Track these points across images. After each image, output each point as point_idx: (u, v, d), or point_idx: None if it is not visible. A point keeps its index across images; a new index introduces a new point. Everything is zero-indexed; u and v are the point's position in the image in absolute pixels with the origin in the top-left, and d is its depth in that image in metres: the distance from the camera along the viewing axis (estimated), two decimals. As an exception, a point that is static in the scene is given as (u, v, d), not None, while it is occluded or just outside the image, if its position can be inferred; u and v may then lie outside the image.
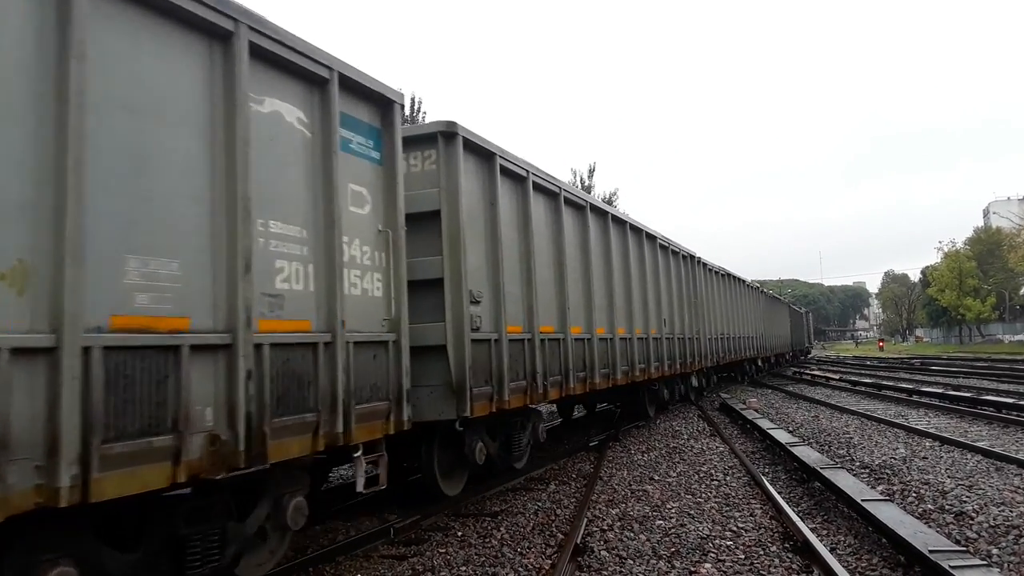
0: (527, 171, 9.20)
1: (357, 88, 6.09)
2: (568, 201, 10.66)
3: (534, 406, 9.34)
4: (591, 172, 40.98)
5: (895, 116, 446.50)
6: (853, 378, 26.50)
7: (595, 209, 11.89)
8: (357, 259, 5.92)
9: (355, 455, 5.79)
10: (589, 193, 29.43)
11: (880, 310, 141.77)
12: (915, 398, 18.48)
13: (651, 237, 14.99)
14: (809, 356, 58.90)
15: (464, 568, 5.92)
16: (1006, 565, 5.52)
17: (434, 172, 7.64)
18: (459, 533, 7.01)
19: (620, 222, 13.25)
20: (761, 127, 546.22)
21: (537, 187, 9.59)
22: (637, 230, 14.03)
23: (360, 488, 5.85)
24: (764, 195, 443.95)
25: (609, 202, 36.01)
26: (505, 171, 8.70)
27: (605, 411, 17.32)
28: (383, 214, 6.33)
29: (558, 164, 73.03)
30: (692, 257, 18.41)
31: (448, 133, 7.68)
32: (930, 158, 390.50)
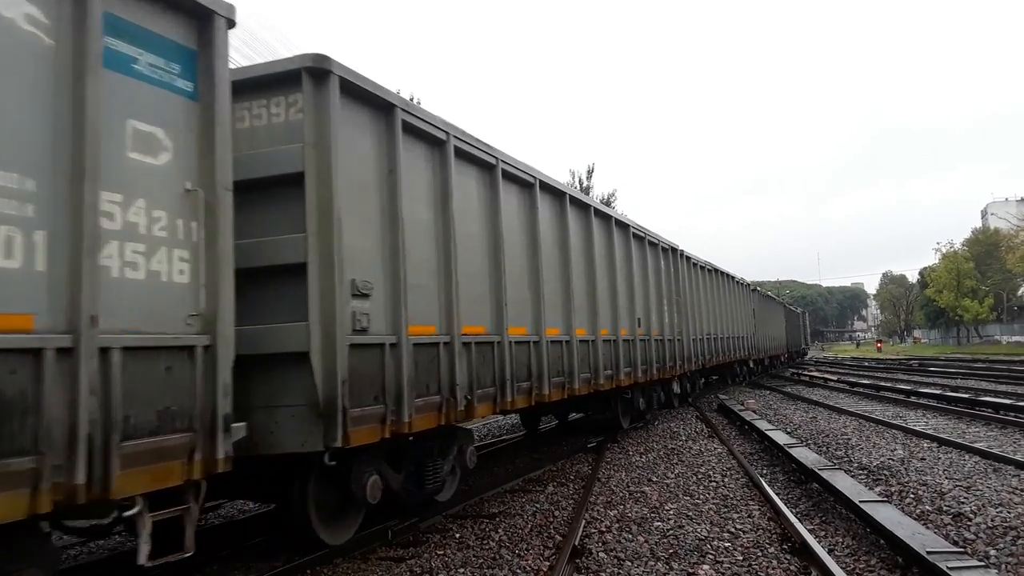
0: (447, 133, 7.33)
1: None
2: (509, 176, 8.77)
3: (458, 425, 7.57)
4: (589, 173, 40.93)
5: (894, 117, 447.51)
6: (851, 379, 26.52)
7: (548, 188, 10.00)
8: (140, 228, 4.22)
9: (127, 513, 4.08)
10: (587, 195, 29.26)
11: (878, 311, 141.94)
12: (913, 399, 18.49)
13: (622, 225, 13.39)
14: (806, 358, 57.88)
15: (462, 570, 5.91)
16: (1004, 566, 5.52)
17: (299, 123, 5.66)
18: (457, 535, 7.00)
19: (582, 206, 11.34)
20: (760, 129, 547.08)
21: (463, 155, 7.70)
22: (605, 216, 12.41)
23: (142, 560, 4.10)
24: (763, 196, 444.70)
25: (607, 203, 36.01)
26: (412, 130, 6.81)
27: (579, 421, 15.55)
28: (195, 168, 4.62)
29: (557, 165, 73.11)
30: (674, 250, 16.93)
31: (318, 71, 5.69)
32: (928, 159, 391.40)
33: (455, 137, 7.48)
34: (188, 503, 4.38)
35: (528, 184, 9.48)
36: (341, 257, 5.62)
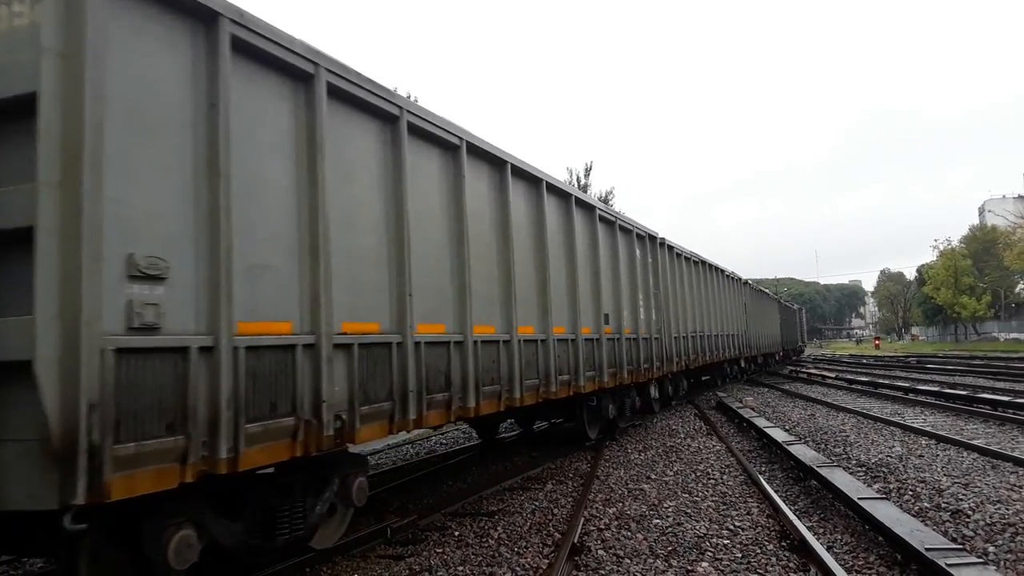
0: (315, 63, 5.42)
1: None
2: (417, 130, 6.74)
3: (339, 451, 5.61)
4: (587, 171, 40.97)
5: (891, 115, 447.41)
6: (849, 376, 26.56)
7: (479, 152, 7.90)
8: None
9: None
10: (585, 192, 29.16)
11: (876, 308, 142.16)
12: (911, 396, 18.51)
13: (586, 206, 11.44)
14: (803, 355, 56.52)
15: (461, 568, 5.91)
16: (1002, 563, 5.54)
17: (36, 26, 3.78)
18: (456, 533, 7.00)
19: (531, 179, 9.32)
20: (757, 126, 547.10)
21: (341, 95, 5.77)
22: (563, 194, 10.45)
23: None
24: (760, 194, 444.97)
25: (605, 201, 36.00)
26: (250, 51, 4.90)
27: (547, 430, 14.30)
28: None
29: (555, 164, 72.98)
30: (652, 238, 15.15)
31: None
32: (926, 156, 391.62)
33: (328, 70, 5.55)
34: None
35: (452, 148, 7.43)
36: (100, 221, 3.79)
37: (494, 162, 8.41)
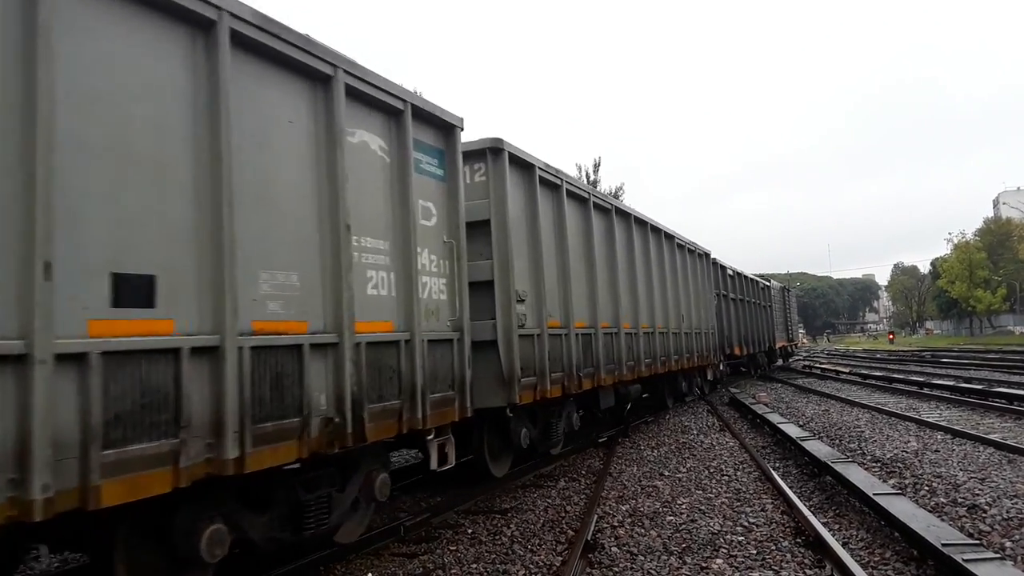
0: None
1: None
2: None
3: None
4: (596, 167, 40.90)
5: (905, 103, 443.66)
6: (863, 371, 26.41)
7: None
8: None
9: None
10: (595, 188, 28.83)
11: (890, 302, 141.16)
12: (926, 391, 18.38)
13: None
14: (791, 360, 38.89)
15: (475, 565, 5.92)
16: (1020, 558, 5.50)
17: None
18: (469, 530, 7.01)
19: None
20: (766, 118, 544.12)
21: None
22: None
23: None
24: (771, 188, 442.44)
25: (616, 196, 35.89)
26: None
27: None
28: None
29: (564, 159, 72.81)
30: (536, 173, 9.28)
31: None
32: (940, 147, 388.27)
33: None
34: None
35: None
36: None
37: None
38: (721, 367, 21.17)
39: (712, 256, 19.62)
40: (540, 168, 9.00)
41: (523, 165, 8.72)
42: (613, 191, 39.54)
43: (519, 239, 8.34)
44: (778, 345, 32.43)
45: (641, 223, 13.29)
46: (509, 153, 8.23)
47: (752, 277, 27.20)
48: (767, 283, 31.13)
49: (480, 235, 7.89)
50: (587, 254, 10.44)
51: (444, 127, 7.10)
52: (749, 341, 24.93)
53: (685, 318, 15.57)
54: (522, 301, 8.13)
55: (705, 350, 17.39)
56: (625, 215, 12.49)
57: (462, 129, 7.27)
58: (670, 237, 15.36)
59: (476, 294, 7.61)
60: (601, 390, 10.95)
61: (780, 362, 35.54)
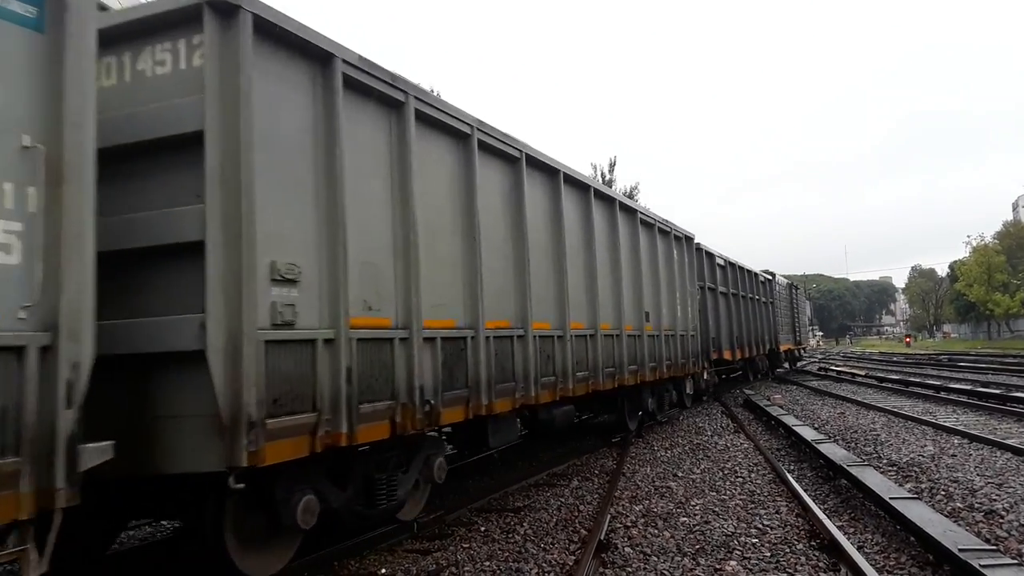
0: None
1: None
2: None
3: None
4: (612, 166, 40.77)
5: (925, 106, 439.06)
6: (879, 374, 26.20)
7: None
8: None
9: None
10: (611, 187, 28.53)
11: (907, 305, 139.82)
12: (943, 395, 18.21)
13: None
14: (799, 364, 35.96)
15: (488, 563, 5.94)
16: (1038, 565, 5.43)
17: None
18: (482, 529, 7.03)
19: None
20: (784, 120, 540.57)
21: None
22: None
23: None
24: (788, 189, 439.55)
25: (630, 196, 35.78)
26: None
27: None
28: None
29: (581, 159, 72.69)
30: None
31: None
32: (959, 150, 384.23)
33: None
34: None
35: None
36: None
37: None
38: (706, 376, 17.44)
39: (696, 241, 16.62)
40: (346, 62, 5.48)
41: (299, 47, 5.17)
42: (628, 191, 39.41)
43: (290, 173, 5.04)
44: (782, 348, 28.79)
45: (580, 186, 10.15)
46: (256, 18, 4.71)
47: (750, 269, 23.77)
48: (769, 276, 27.23)
49: (184, 162, 4.63)
50: (464, 214, 7.16)
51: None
52: (745, 343, 21.69)
53: (651, 316, 12.55)
54: (289, 282, 4.90)
55: (681, 356, 14.23)
56: (550, 171, 9.14)
57: None
58: (630, 211, 12.18)
59: (168, 266, 4.68)
60: (492, 419, 7.71)
61: (785, 367, 31.42)
